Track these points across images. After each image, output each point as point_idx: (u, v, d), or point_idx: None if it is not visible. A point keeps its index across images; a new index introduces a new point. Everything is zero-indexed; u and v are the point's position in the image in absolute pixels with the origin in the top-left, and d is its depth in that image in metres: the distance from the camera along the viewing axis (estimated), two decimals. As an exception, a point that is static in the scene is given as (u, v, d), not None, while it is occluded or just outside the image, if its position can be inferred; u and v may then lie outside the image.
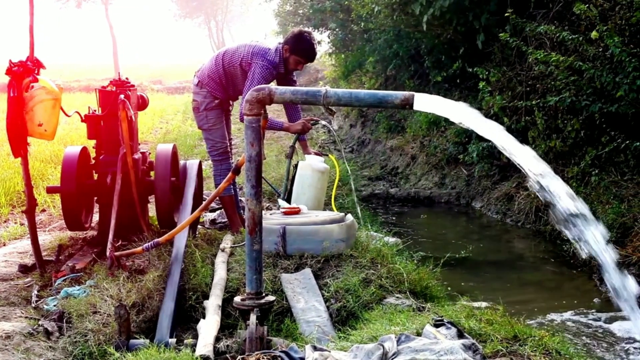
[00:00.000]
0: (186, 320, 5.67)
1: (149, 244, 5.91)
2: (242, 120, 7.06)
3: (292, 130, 7.64)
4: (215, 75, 7.54)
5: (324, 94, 4.27)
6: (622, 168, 8.36)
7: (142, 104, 7.64)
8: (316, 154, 7.84)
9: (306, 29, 8.32)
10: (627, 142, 7.96)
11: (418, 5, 12.09)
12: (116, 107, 6.84)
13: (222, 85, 7.56)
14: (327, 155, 8.47)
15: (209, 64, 7.65)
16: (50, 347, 4.96)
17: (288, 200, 7.50)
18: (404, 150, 14.27)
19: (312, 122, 7.78)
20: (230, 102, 7.91)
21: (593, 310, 6.62)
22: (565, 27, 9.34)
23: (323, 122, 8.14)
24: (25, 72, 5.93)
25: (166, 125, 19.96)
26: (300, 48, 7.38)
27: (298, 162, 7.75)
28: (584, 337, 5.99)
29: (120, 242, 6.73)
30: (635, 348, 5.69)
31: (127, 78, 7.39)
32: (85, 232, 7.49)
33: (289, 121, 7.87)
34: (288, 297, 5.56)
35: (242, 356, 4.26)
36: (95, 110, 7.15)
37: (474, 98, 11.63)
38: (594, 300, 6.90)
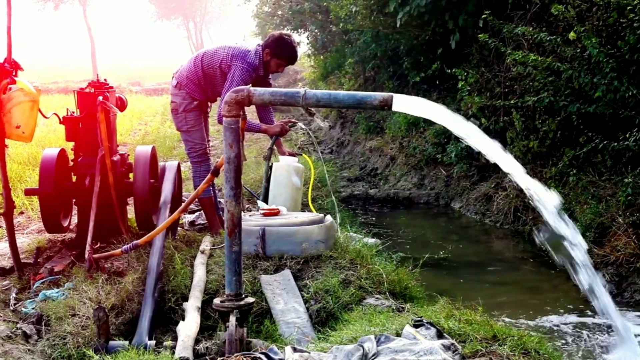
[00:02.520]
0: (165, 322, 5.65)
1: (128, 246, 5.89)
2: (220, 122, 7.08)
3: (271, 133, 7.64)
4: (194, 77, 7.51)
5: (302, 95, 4.28)
6: (600, 168, 8.40)
7: (121, 105, 7.62)
8: (290, 154, 7.85)
9: (285, 31, 8.31)
10: (605, 142, 8.00)
11: (394, 2, 12.14)
12: (94, 108, 6.82)
13: (200, 87, 7.54)
14: (301, 154, 8.48)
15: (187, 65, 7.63)
16: (29, 350, 4.95)
17: (266, 202, 7.50)
18: (383, 151, 14.28)
19: (290, 124, 7.79)
20: (209, 104, 7.89)
21: (571, 310, 6.65)
22: (543, 28, 9.39)
23: (301, 125, 8.14)
24: (2, 74, 5.91)
25: (145, 127, 19.89)
26: (281, 51, 7.36)
27: (273, 163, 7.75)
28: (562, 337, 6.02)
29: (99, 245, 6.72)
30: (612, 346, 5.72)
31: (105, 80, 7.38)
32: (63, 234, 7.46)
33: (261, 122, 7.87)
34: (267, 299, 5.56)
35: (221, 358, 4.26)
36: (73, 112, 7.13)
37: (453, 99, 11.68)
38: (572, 299, 6.93)
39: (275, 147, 7.91)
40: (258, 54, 7.35)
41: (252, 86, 4.53)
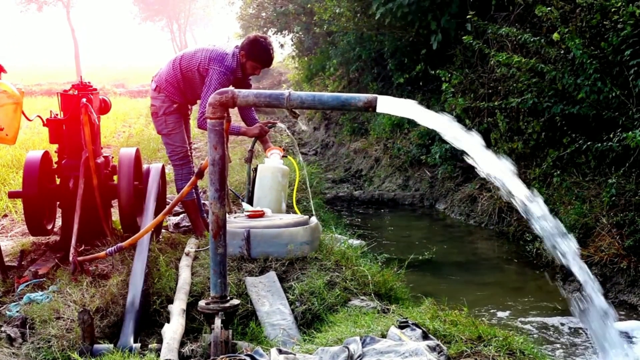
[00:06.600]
0: (150, 324, 5.63)
1: (112, 248, 5.87)
2: (200, 127, 7.10)
3: (250, 135, 7.61)
4: (173, 80, 7.47)
5: (287, 96, 4.28)
6: (584, 169, 8.43)
7: (105, 107, 7.60)
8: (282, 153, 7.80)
9: (261, 33, 8.29)
10: (588, 143, 8.02)
11: (377, 2, 12.16)
12: (78, 111, 6.79)
13: (180, 90, 7.50)
14: (287, 156, 8.46)
15: (166, 68, 7.58)
16: (13, 353, 4.92)
17: (250, 204, 7.48)
18: (368, 152, 14.30)
19: (269, 125, 7.76)
20: (189, 107, 7.86)
21: (556, 310, 6.67)
22: (527, 30, 9.42)
23: (281, 125, 8.13)
24: (-15, 76, 5.89)
25: (129, 129, 19.81)
26: (255, 53, 7.32)
27: (257, 165, 7.73)
28: (547, 337, 6.04)
29: (83, 247, 6.69)
30: (594, 346, 5.74)
31: (89, 81, 7.35)
32: (47, 237, 7.43)
33: (243, 121, 7.85)
34: (253, 301, 5.55)
35: (207, 360, 4.25)
36: (57, 114, 7.10)
37: (437, 100, 11.70)
38: (556, 300, 6.95)
39: (262, 145, 7.87)
40: (236, 57, 7.30)
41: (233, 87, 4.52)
